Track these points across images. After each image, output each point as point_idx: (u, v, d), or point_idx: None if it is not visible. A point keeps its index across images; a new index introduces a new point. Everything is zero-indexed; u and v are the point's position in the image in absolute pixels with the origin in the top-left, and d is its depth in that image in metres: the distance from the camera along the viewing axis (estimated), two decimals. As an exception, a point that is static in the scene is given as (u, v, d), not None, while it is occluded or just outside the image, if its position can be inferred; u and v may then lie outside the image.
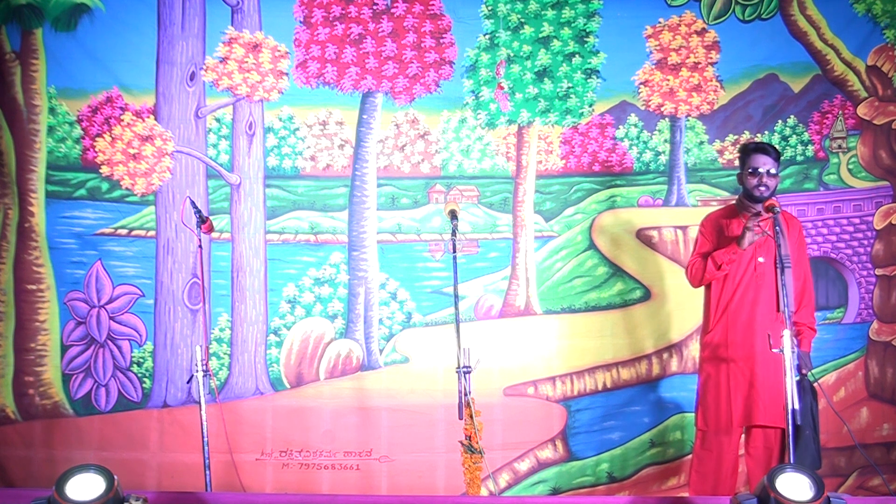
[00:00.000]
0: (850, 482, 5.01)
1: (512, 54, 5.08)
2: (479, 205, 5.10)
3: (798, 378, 3.80)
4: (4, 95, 4.90)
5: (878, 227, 5.15)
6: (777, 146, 4.41)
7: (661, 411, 5.05)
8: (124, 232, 4.98)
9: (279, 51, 5.01)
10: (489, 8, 5.07)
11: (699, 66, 5.14)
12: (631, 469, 5.02)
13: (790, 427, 3.67)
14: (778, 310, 3.85)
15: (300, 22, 5.02)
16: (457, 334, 3.58)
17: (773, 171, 4.05)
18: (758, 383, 3.99)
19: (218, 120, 5.03)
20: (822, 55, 5.13)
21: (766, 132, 5.16)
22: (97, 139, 4.96)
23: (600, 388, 5.05)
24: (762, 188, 4.02)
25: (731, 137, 5.17)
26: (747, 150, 4.16)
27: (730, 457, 4.10)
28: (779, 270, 3.82)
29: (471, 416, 3.51)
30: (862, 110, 5.16)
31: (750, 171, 4.07)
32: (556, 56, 5.10)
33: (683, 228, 5.15)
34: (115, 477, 2.54)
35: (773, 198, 4.02)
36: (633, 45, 5.12)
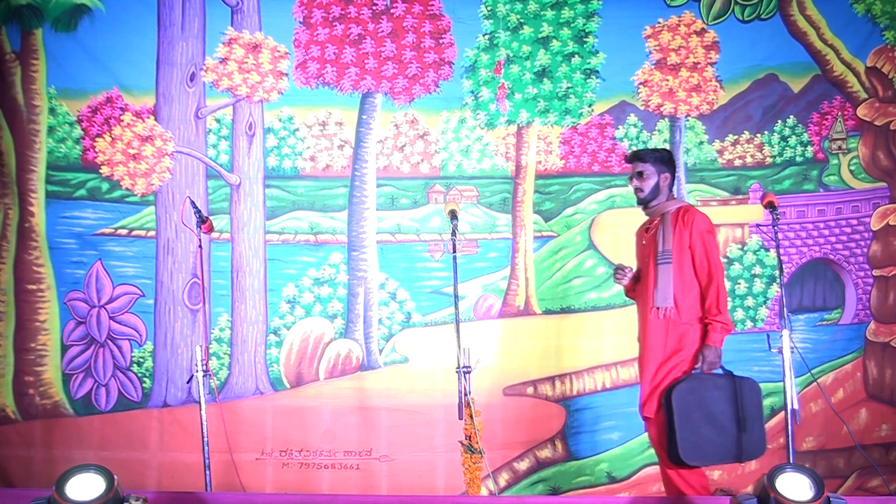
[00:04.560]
0: (849, 483, 5.02)
1: (511, 54, 5.08)
2: (478, 205, 5.11)
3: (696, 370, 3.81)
4: (4, 95, 4.90)
5: (875, 228, 5.15)
6: (662, 148, 4.39)
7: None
8: (124, 232, 4.99)
9: (279, 51, 5.01)
10: (488, 8, 5.08)
11: (699, 66, 5.15)
12: (630, 469, 5.02)
13: (789, 427, 3.67)
14: (650, 305, 3.91)
15: (300, 22, 5.02)
16: (457, 334, 3.58)
17: (641, 171, 4.05)
18: (643, 378, 4.01)
19: (218, 120, 5.04)
20: (822, 55, 5.14)
21: (766, 132, 5.16)
22: (97, 139, 4.97)
23: (599, 388, 5.06)
24: (637, 191, 4.06)
25: (730, 137, 5.17)
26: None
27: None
28: (655, 265, 3.90)
29: (471, 416, 3.51)
30: (862, 111, 5.16)
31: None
32: (555, 56, 5.10)
33: (683, 228, 5.15)
34: (115, 477, 2.54)
35: (773, 195, 4.01)
36: (632, 45, 5.12)
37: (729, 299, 5.08)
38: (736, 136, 5.17)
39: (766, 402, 5.01)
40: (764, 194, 4.36)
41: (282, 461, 4.92)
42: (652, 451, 5.00)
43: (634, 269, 4.17)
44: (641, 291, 4.07)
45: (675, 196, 4.18)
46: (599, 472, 5.01)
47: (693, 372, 3.83)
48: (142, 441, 4.89)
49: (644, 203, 4.07)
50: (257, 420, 4.95)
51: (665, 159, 4.07)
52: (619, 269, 4.14)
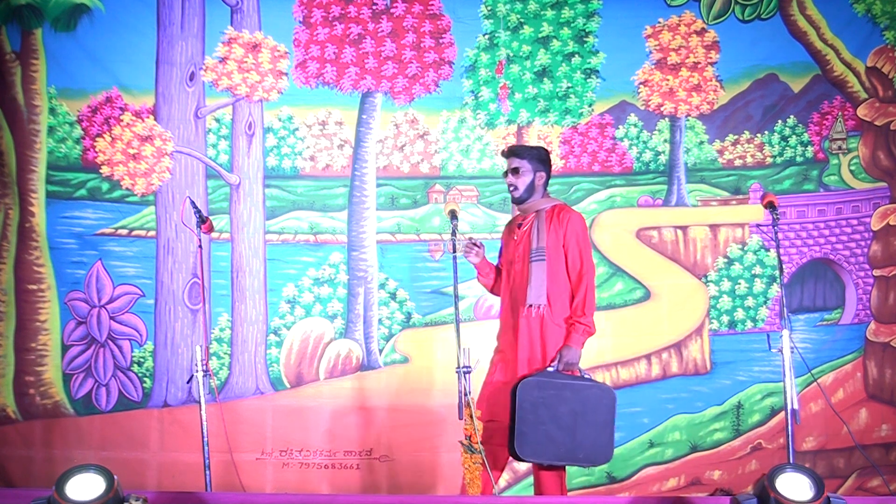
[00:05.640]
0: (849, 483, 5.02)
1: (511, 54, 5.08)
2: (478, 205, 5.10)
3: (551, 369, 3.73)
4: (4, 95, 4.90)
5: (875, 228, 5.15)
6: (539, 147, 4.21)
7: (660, 412, 5.05)
8: (124, 232, 4.99)
9: (278, 51, 5.01)
10: (488, 8, 5.07)
11: (699, 65, 5.15)
12: (630, 469, 5.02)
13: (789, 427, 3.67)
14: (524, 303, 3.79)
15: (299, 22, 5.02)
16: (457, 334, 3.58)
17: (517, 167, 3.91)
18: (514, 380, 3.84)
19: (217, 120, 5.04)
20: (822, 55, 5.14)
21: (766, 132, 5.16)
22: (97, 139, 4.97)
23: (600, 388, 5.05)
24: (510, 188, 3.94)
25: (731, 137, 5.17)
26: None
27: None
28: (532, 263, 3.79)
29: (471, 416, 3.51)
30: (862, 111, 5.16)
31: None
32: (555, 56, 5.10)
33: (683, 228, 5.16)
34: (115, 477, 2.53)
35: (773, 195, 3.98)
36: (632, 45, 5.12)
37: (729, 300, 5.11)
38: (736, 136, 5.17)
39: (766, 402, 5.04)
40: (764, 194, 4.36)
41: (282, 461, 4.92)
42: (653, 450, 5.03)
43: (493, 262, 4.01)
44: (512, 289, 3.91)
45: (550, 195, 4.01)
46: (599, 472, 5.00)
47: (547, 369, 3.73)
48: (142, 441, 4.89)
49: (518, 202, 3.95)
50: (257, 420, 4.95)
51: (542, 158, 3.96)
52: (471, 244, 3.96)
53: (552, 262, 3.81)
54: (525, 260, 3.85)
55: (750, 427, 5.05)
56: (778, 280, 4.36)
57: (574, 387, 3.71)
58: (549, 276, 3.79)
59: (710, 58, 5.14)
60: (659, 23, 5.13)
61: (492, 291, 4.15)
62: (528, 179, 3.91)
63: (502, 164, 5.10)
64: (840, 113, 5.16)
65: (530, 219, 3.91)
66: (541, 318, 3.79)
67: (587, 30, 5.10)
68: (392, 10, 5.03)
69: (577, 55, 5.10)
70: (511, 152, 3.98)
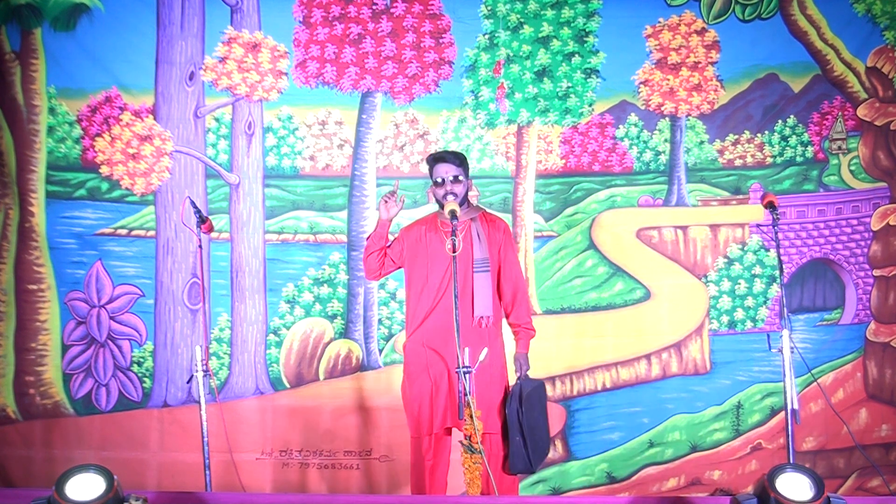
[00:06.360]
0: (849, 483, 5.02)
1: (511, 54, 5.08)
2: (478, 205, 5.09)
3: (517, 381, 3.88)
4: (4, 95, 4.90)
5: (875, 229, 5.15)
6: (463, 153, 4.14)
7: (660, 412, 5.05)
8: (124, 232, 4.99)
9: (278, 50, 5.01)
10: (488, 8, 5.07)
11: (699, 65, 5.15)
12: (630, 469, 5.03)
13: (789, 427, 3.67)
14: (473, 314, 3.82)
15: (299, 22, 5.02)
16: (457, 334, 3.58)
17: (456, 176, 3.89)
18: (457, 389, 3.73)
19: (217, 120, 5.04)
20: (822, 55, 5.13)
21: (767, 132, 5.16)
22: (96, 139, 4.96)
23: (600, 388, 5.06)
24: (449, 196, 3.86)
25: (731, 137, 5.17)
26: (430, 161, 3.99)
27: (433, 458, 3.89)
28: (475, 273, 3.84)
29: (471, 416, 3.51)
30: (862, 111, 5.16)
31: (434, 181, 3.94)
32: (555, 56, 5.10)
33: (683, 228, 5.16)
34: (115, 477, 2.53)
35: (773, 195, 3.97)
36: (632, 44, 5.12)
37: (729, 300, 5.12)
38: (736, 136, 5.17)
39: (766, 402, 5.04)
40: (764, 194, 4.36)
41: (282, 461, 4.92)
42: (653, 450, 5.03)
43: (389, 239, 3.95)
44: (453, 295, 3.69)
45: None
46: (599, 472, 5.01)
47: (517, 380, 3.89)
48: (142, 441, 4.89)
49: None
50: (257, 420, 4.95)
51: (468, 166, 4.02)
52: (392, 196, 3.90)
53: (494, 273, 3.90)
54: (468, 268, 3.85)
55: (750, 427, 5.05)
56: (778, 280, 4.36)
57: (534, 388, 3.88)
58: (493, 287, 3.89)
59: (711, 57, 5.14)
60: (659, 22, 5.13)
61: (367, 260, 4.00)
62: (465, 188, 3.96)
63: (503, 164, 5.12)
64: (840, 113, 5.16)
65: (465, 227, 3.91)
66: (486, 328, 3.85)
67: (587, 30, 5.10)
68: (392, 10, 5.03)
69: (577, 55, 5.10)
70: (446, 160, 3.93)
